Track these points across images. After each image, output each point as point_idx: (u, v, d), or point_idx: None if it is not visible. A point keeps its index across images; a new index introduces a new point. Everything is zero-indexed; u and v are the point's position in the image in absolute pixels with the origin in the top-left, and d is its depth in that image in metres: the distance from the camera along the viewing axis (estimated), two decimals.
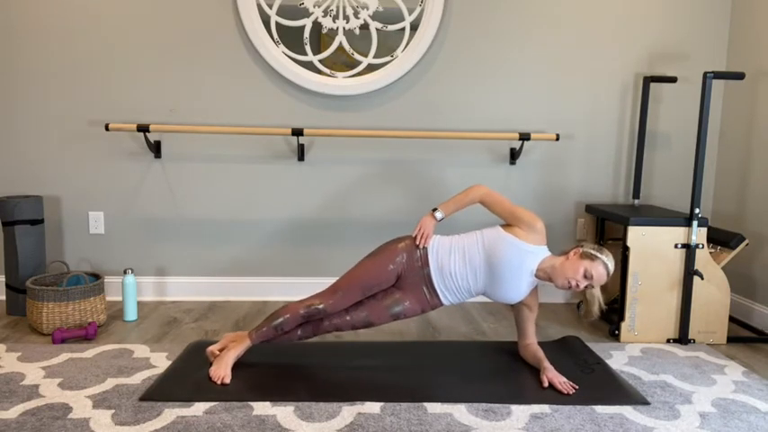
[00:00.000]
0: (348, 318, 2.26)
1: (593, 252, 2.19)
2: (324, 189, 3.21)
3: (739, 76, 2.69)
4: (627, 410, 2.02)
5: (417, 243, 2.27)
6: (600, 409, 2.03)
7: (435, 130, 3.19)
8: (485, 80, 3.17)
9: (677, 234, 2.67)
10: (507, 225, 2.27)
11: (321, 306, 2.21)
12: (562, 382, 2.14)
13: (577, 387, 2.15)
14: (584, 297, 2.25)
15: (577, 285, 2.16)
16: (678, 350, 2.62)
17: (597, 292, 2.22)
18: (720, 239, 2.77)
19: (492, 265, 2.21)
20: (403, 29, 3.09)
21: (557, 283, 2.18)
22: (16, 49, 3.03)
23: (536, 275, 2.24)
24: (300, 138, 3.15)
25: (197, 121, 3.13)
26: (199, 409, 1.96)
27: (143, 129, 2.96)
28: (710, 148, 3.30)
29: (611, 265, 2.19)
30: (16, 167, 3.12)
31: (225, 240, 3.21)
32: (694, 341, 2.72)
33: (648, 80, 3.13)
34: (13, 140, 3.10)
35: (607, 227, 3.16)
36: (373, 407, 2.00)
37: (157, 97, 3.10)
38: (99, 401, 2.00)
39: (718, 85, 3.27)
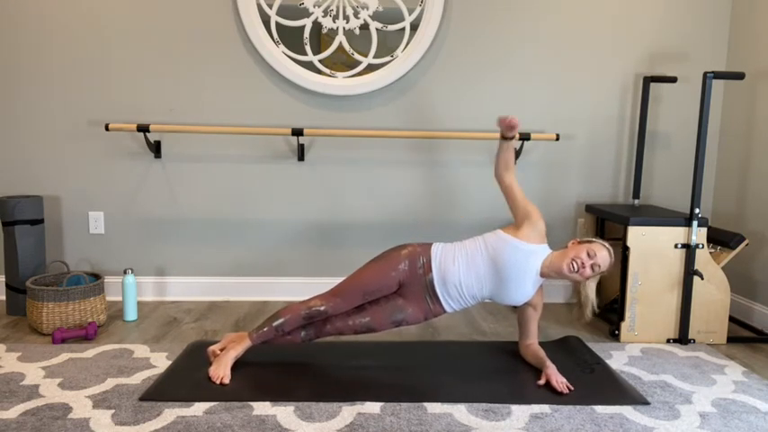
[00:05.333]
0: (350, 322, 2.26)
1: (589, 238, 2.30)
2: (324, 189, 3.21)
3: (739, 76, 2.69)
4: (627, 410, 2.02)
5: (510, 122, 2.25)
6: (600, 409, 2.03)
7: (435, 130, 3.19)
8: (484, 80, 3.17)
9: (677, 234, 2.67)
10: (506, 227, 2.29)
11: (322, 308, 2.21)
12: (559, 381, 2.15)
13: (573, 387, 2.15)
14: (579, 299, 2.29)
15: (583, 265, 2.18)
16: (678, 350, 2.62)
17: (592, 294, 2.28)
18: (720, 239, 2.77)
19: (498, 270, 2.21)
20: (403, 29, 3.09)
21: (562, 270, 2.20)
22: (16, 48, 3.03)
23: (541, 273, 2.25)
24: (300, 138, 3.15)
25: (197, 121, 3.13)
26: (199, 409, 1.96)
27: (143, 129, 2.96)
28: (710, 148, 3.30)
29: (611, 250, 2.25)
30: (16, 167, 3.12)
31: (225, 240, 3.21)
32: (694, 341, 2.72)
33: (648, 80, 3.13)
34: (13, 141, 3.10)
35: (607, 227, 3.16)
36: (373, 407, 2.00)
37: (157, 97, 3.10)
38: (99, 401, 2.00)
39: (718, 85, 3.27)
